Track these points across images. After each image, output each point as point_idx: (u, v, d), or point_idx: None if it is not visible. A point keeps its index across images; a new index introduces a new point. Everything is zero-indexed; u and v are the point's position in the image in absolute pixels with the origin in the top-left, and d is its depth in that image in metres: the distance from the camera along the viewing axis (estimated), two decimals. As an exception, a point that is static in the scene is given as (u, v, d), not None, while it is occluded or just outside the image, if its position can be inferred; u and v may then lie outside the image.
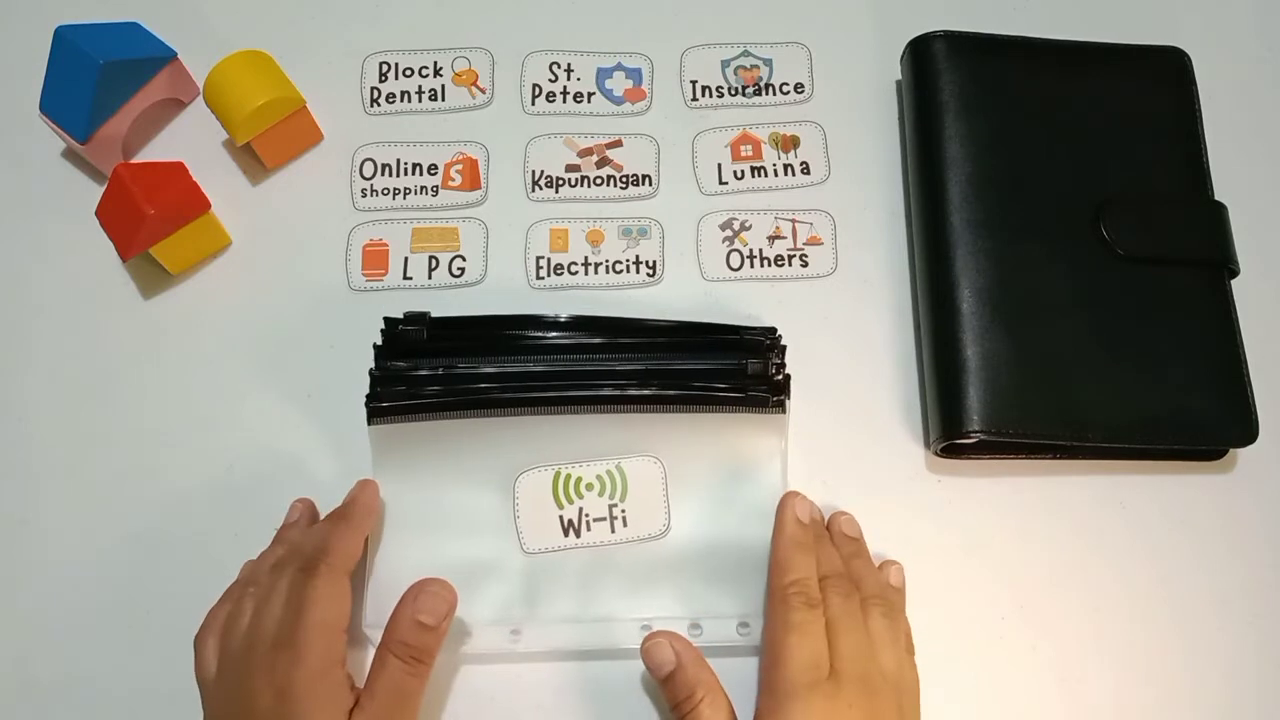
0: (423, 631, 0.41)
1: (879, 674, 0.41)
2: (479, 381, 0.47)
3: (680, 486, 0.47)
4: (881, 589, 0.44)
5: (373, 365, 0.46)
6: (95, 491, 0.50)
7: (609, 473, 0.47)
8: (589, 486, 0.47)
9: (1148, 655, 0.47)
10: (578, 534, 0.47)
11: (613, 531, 0.47)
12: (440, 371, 0.46)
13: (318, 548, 0.42)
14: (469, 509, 0.47)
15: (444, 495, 0.47)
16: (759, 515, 0.46)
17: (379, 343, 0.47)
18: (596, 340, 0.47)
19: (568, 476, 0.47)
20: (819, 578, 0.43)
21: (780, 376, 0.47)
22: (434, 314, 0.47)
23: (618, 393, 0.46)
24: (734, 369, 0.47)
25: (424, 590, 0.42)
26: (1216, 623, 0.48)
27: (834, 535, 0.47)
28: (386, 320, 0.47)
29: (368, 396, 0.46)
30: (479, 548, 0.46)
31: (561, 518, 0.47)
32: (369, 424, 0.46)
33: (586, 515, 0.47)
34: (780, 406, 0.47)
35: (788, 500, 0.46)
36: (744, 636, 0.45)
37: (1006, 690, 0.47)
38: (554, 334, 0.47)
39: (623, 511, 0.47)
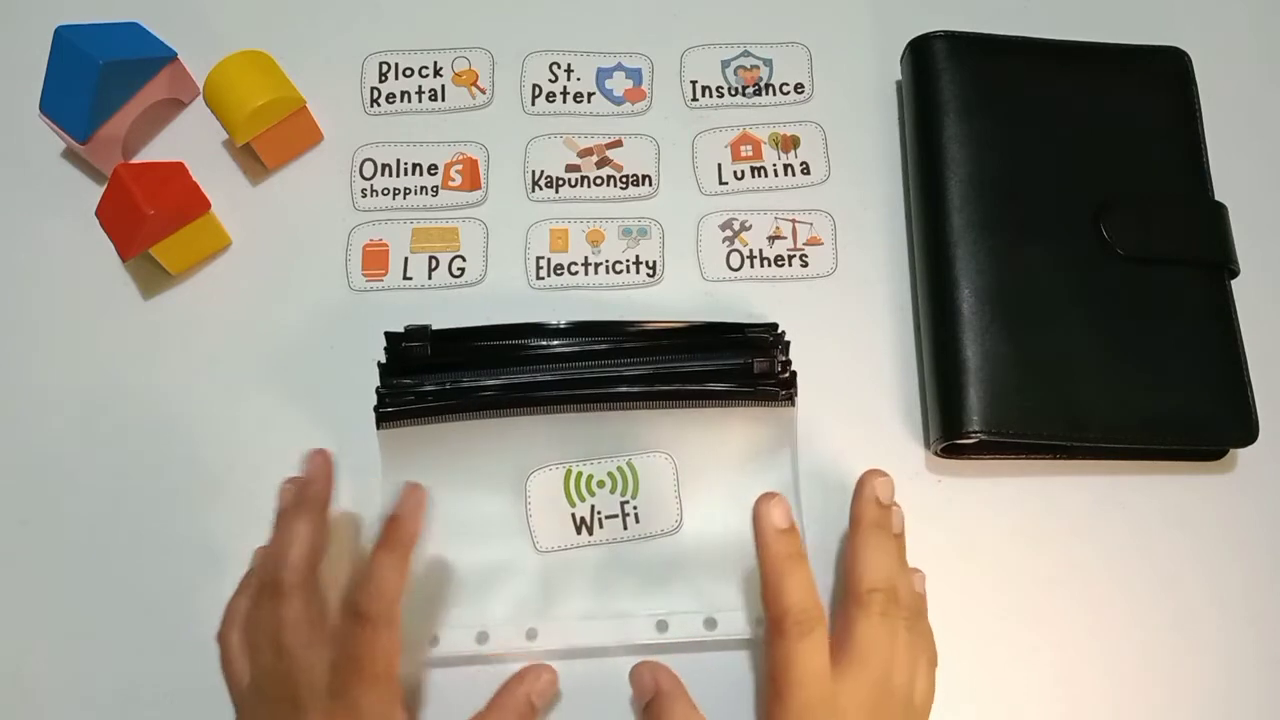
0: (530, 713, 0.44)
1: (888, 698, 0.41)
2: (486, 393, 0.46)
3: (691, 482, 0.47)
4: (912, 599, 0.43)
5: (378, 384, 0.46)
6: (95, 491, 0.50)
7: (620, 469, 0.47)
8: (600, 484, 0.47)
9: (1148, 655, 0.47)
10: (590, 531, 0.47)
11: (625, 528, 0.47)
12: (447, 386, 0.46)
13: (369, 593, 0.40)
14: (481, 510, 0.47)
15: (455, 497, 0.47)
16: None
17: (383, 360, 0.46)
18: (601, 346, 0.47)
19: (579, 474, 0.47)
20: (868, 589, 0.42)
21: (786, 374, 0.47)
22: (435, 323, 0.46)
23: (627, 390, 0.46)
24: (740, 368, 0.47)
25: (541, 673, 0.45)
26: (1216, 623, 0.48)
27: None
28: (388, 336, 0.46)
29: (376, 403, 0.46)
30: (492, 548, 0.46)
31: (573, 515, 0.47)
32: (378, 429, 0.46)
33: (598, 513, 0.47)
34: (789, 400, 0.47)
35: (762, 510, 0.42)
36: (758, 631, 0.45)
37: (1006, 690, 0.47)
38: (557, 342, 0.47)
39: (634, 508, 0.47)
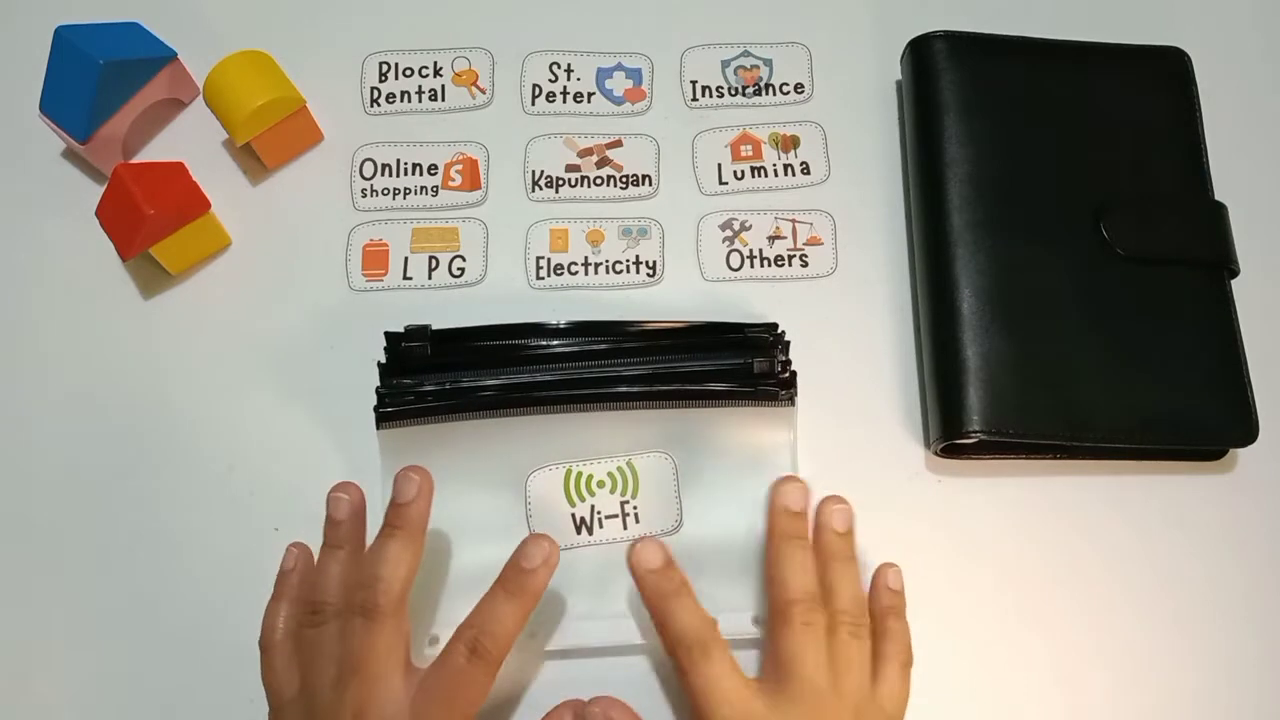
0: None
1: (826, 704, 0.40)
2: (486, 393, 0.46)
3: (691, 482, 0.47)
4: (852, 602, 0.43)
5: (378, 383, 0.46)
6: (95, 492, 0.50)
7: (620, 469, 0.47)
8: (600, 484, 0.47)
9: (1148, 655, 0.47)
10: (590, 532, 0.47)
11: (625, 528, 0.47)
12: (447, 386, 0.46)
13: (491, 635, 0.40)
14: (480, 510, 0.47)
15: (455, 497, 0.47)
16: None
17: (383, 360, 0.46)
18: (601, 346, 0.47)
19: (579, 474, 0.47)
20: (784, 601, 0.42)
21: (786, 374, 0.47)
22: (435, 323, 0.46)
23: (627, 389, 0.46)
24: (740, 368, 0.47)
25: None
26: (1216, 623, 0.48)
27: (819, 530, 0.46)
28: (388, 336, 0.46)
29: (376, 403, 0.46)
30: (492, 548, 0.46)
31: (573, 516, 0.47)
32: (377, 429, 0.46)
33: (599, 513, 0.47)
34: (789, 400, 0.47)
35: (634, 557, 0.42)
36: (759, 630, 0.45)
37: (1006, 690, 0.47)
38: (557, 342, 0.47)
39: (634, 508, 0.47)
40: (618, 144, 0.57)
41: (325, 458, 0.50)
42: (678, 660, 0.41)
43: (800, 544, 0.44)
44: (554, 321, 0.47)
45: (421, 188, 0.56)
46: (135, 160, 0.56)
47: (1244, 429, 0.48)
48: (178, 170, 0.51)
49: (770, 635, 0.43)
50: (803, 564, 0.43)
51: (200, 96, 0.56)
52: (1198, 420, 0.48)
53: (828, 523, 0.45)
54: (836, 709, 0.40)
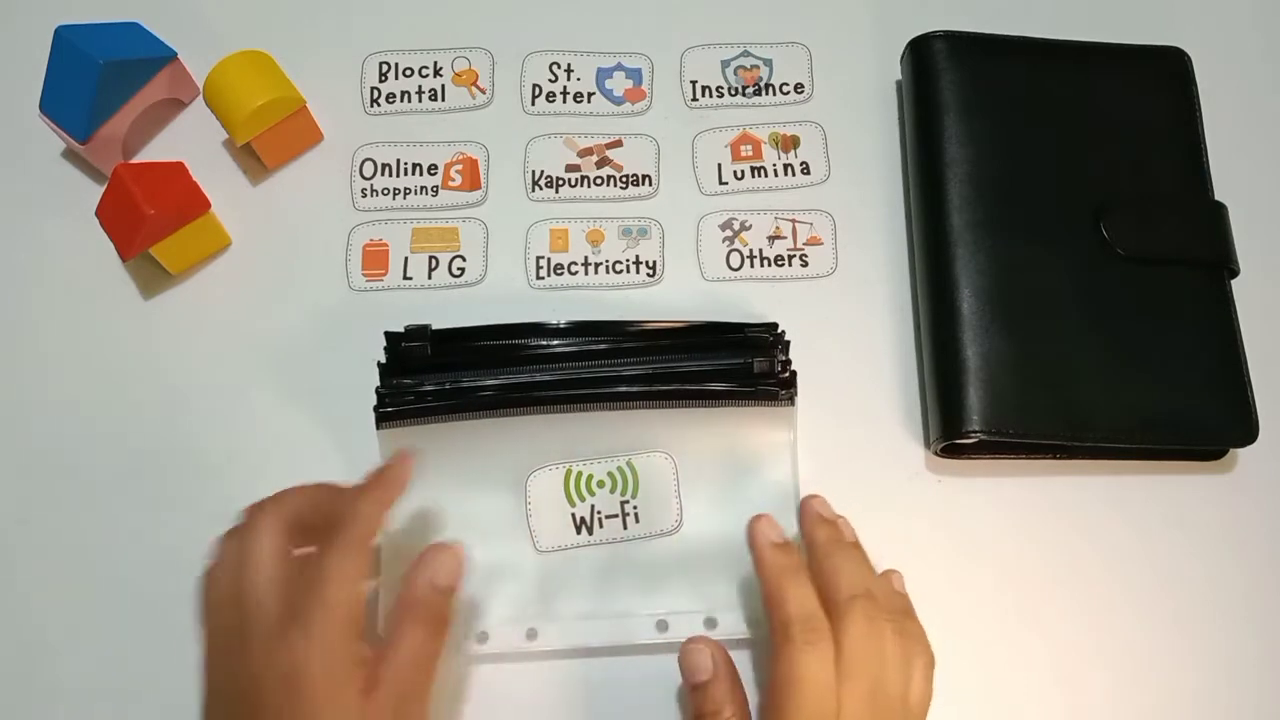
0: (439, 594, 0.40)
1: (886, 703, 0.40)
2: (486, 393, 0.46)
3: (691, 481, 0.48)
4: (890, 599, 0.43)
5: (378, 383, 0.46)
6: (95, 491, 0.50)
7: (620, 469, 0.47)
8: (600, 484, 0.47)
9: (1148, 655, 0.47)
10: (590, 531, 0.47)
11: (625, 528, 0.47)
12: (447, 386, 0.46)
13: (338, 516, 0.39)
14: (481, 510, 0.47)
15: (455, 497, 0.47)
16: (771, 508, 0.46)
17: (383, 360, 0.46)
18: (601, 345, 0.47)
19: (579, 474, 0.47)
20: (847, 596, 0.41)
21: (786, 374, 0.47)
22: (435, 323, 0.46)
23: (626, 389, 0.46)
24: (740, 368, 0.47)
25: (435, 554, 0.41)
26: (1216, 623, 0.48)
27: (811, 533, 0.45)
28: (388, 335, 0.46)
29: (376, 403, 0.46)
30: (492, 548, 0.46)
31: (573, 515, 0.47)
32: (377, 429, 0.46)
33: (598, 512, 0.47)
34: (789, 400, 0.47)
35: (755, 528, 0.44)
36: (758, 631, 0.45)
37: (1006, 690, 0.47)
38: (557, 342, 0.47)
39: (634, 508, 0.47)
40: (618, 144, 0.57)
41: (325, 458, 0.50)
42: (782, 638, 0.40)
43: (846, 545, 0.44)
44: (554, 321, 0.47)
45: (421, 188, 0.56)
46: (135, 160, 0.56)
47: (1244, 429, 0.48)
48: (178, 170, 0.51)
49: (832, 632, 0.41)
50: (856, 561, 0.43)
51: (200, 96, 0.56)
52: (1198, 420, 0.48)
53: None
54: (889, 706, 0.40)
